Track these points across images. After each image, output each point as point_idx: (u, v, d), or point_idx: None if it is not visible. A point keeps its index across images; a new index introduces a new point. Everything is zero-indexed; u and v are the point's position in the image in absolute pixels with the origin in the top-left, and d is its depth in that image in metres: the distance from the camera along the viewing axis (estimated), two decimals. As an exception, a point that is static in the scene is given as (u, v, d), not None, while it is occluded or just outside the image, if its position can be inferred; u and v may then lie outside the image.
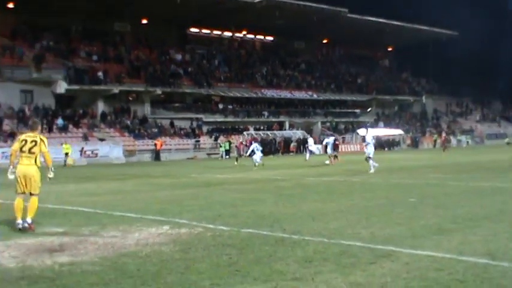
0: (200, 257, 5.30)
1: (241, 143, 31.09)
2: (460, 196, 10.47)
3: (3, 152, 27.55)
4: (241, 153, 28.62)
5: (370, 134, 19.70)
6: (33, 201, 7.09)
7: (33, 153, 7.08)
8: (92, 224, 7.60)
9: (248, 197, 10.97)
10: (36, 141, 7.11)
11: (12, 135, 31.05)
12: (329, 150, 24.15)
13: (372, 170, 16.91)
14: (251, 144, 27.07)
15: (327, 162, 23.25)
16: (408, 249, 5.43)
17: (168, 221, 7.67)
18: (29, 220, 7.00)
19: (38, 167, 7.16)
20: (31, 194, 7.11)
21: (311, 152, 27.49)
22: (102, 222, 7.75)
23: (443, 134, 42.75)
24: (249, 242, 6.01)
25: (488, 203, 9.28)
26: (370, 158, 17.30)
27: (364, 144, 18.14)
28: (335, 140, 25.87)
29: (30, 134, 7.27)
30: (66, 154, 28.62)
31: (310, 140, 29.42)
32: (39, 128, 7.83)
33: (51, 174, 7.40)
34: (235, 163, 25.75)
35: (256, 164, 21.82)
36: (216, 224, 7.23)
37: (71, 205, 9.99)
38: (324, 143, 24.18)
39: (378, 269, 4.70)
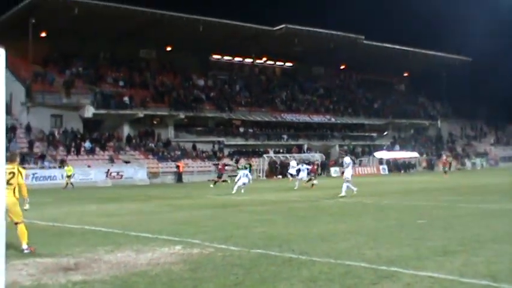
0: (208, 277, 5.38)
1: (224, 165, 31.10)
2: (469, 218, 10.43)
3: (33, 173, 28.48)
4: (222, 176, 27.86)
5: (348, 157, 20.28)
6: (21, 229, 7.12)
7: (11, 184, 7.02)
8: (108, 243, 7.77)
9: (261, 218, 11.03)
10: (14, 173, 7.08)
11: (42, 158, 31.99)
12: (303, 175, 24.23)
13: (343, 193, 16.56)
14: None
15: (315, 182, 23.65)
16: (411, 270, 5.44)
17: (181, 241, 7.79)
18: (24, 246, 7.08)
19: (17, 199, 7.15)
20: (15, 224, 7.07)
21: (291, 175, 27.48)
22: (118, 242, 7.91)
23: (444, 157, 41.81)
24: (257, 262, 6.06)
25: (496, 224, 9.22)
26: (348, 181, 17.06)
27: (344, 166, 18.17)
28: (311, 166, 26.33)
29: (9, 165, 7.07)
30: (69, 176, 27.92)
31: (293, 163, 29.18)
32: (18, 159, 7.84)
33: (26, 206, 7.38)
34: (211, 186, 25.34)
35: (241, 188, 20.57)
36: (228, 245, 7.32)
37: (90, 225, 10.22)
38: (303, 168, 24.65)
39: (379, 289, 4.71)
